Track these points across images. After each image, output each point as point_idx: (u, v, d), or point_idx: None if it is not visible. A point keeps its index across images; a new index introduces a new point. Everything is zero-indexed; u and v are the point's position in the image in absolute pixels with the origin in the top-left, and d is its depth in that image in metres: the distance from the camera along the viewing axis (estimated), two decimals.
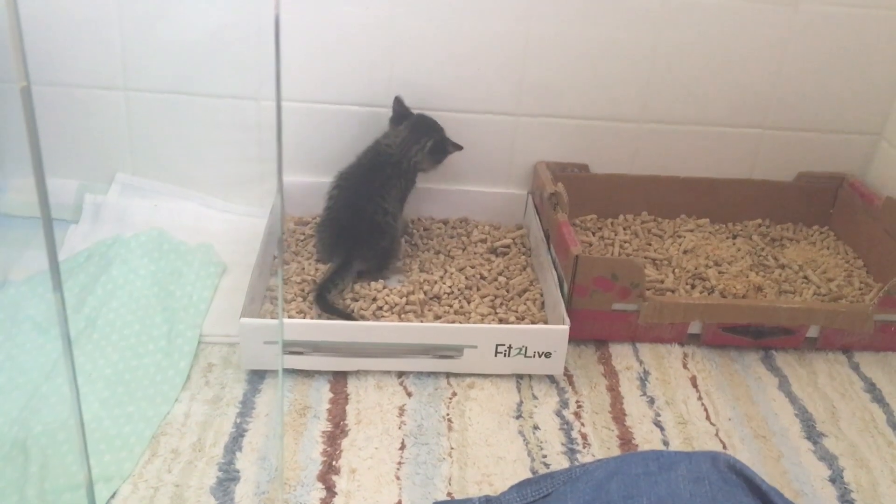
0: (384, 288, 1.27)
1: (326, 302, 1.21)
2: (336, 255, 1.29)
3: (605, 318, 1.23)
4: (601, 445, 1.06)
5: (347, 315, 1.21)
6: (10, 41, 0.44)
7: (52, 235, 0.48)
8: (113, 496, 0.93)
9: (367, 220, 1.29)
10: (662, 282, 1.33)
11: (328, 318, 1.19)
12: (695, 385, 1.19)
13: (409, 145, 1.35)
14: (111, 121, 1.42)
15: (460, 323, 1.21)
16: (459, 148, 1.39)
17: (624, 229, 1.50)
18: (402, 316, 1.23)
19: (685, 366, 1.22)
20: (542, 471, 1.01)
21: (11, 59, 0.47)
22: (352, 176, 1.35)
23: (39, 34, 1.35)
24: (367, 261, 1.30)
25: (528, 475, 1.00)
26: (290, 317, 1.20)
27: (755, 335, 1.25)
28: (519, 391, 1.15)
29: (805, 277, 1.38)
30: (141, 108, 1.41)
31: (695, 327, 1.25)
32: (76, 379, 0.56)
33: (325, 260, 1.33)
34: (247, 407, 1.08)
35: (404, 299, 1.25)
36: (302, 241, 1.41)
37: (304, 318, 1.20)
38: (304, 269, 1.32)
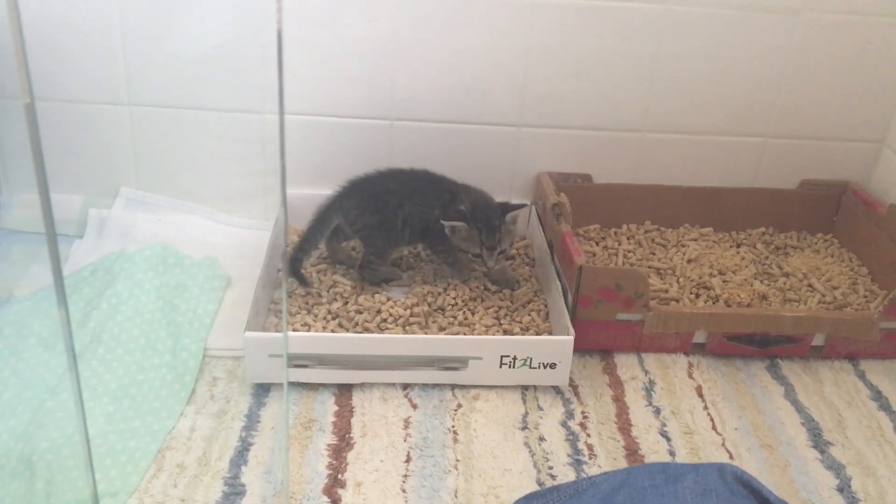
0: (388, 300, 1.27)
1: (295, 264, 1.27)
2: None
3: (609, 329, 1.23)
4: (607, 456, 1.06)
5: (304, 282, 1.27)
6: (15, 58, 0.45)
7: (56, 251, 0.49)
8: None
9: (368, 194, 1.29)
10: (667, 291, 1.33)
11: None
12: (700, 395, 1.18)
13: (455, 197, 1.28)
14: (115, 135, 1.43)
15: (465, 334, 1.21)
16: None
17: (627, 239, 1.50)
18: (407, 328, 1.23)
19: (691, 375, 1.22)
20: (549, 482, 1.01)
21: (16, 76, 0.47)
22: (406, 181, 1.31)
23: (43, 50, 1.36)
24: (348, 221, 1.29)
25: (535, 487, 1.00)
26: (294, 330, 1.20)
27: (760, 344, 1.25)
28: (524, 402, 1.14)
29: (810, 285, 1.38)
30: (145, 123, 1.42)
31: (700, 336, 1.25)
32: (81, 394, 0.56)
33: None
34: (252, 420, 1.08)
35: (408, 311, 1.24)
36: None
37: (308, 330, 1.20)
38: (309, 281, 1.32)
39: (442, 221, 1.24)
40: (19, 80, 0.45)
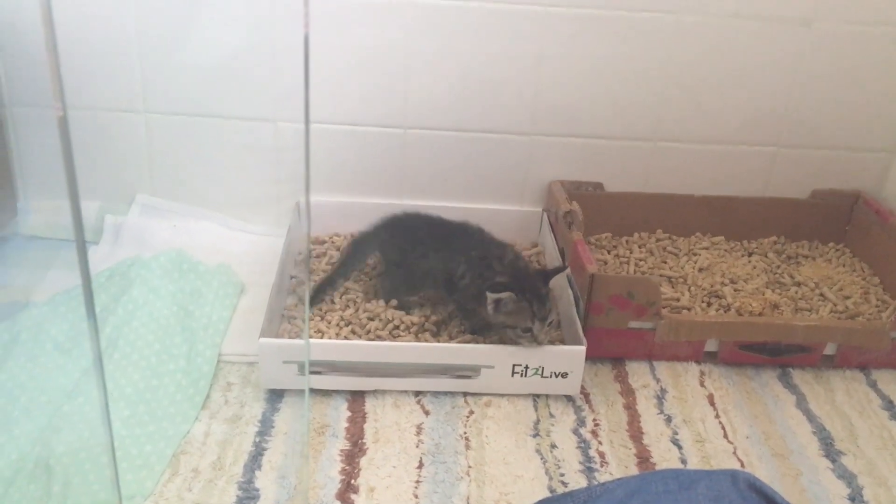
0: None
1: (320, 294, 1.30)
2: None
3: (621, 337, 1.23)
4: (619, 464, 1.06)
5: (312, 302, 1.29)
6: (49, 70, 0.46)
7: (86, 261, 0.49)
8: None
9: (401, 234, 1.29)
10: (678, 300, 1.34)
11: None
12: (712, 403, 1.19)
13: (485, 254, 1.21)
14: (131, 143, 1.44)
15: (477, 343, 1.22)
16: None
17: (639, 247, 1.50)
18: (420, 336, 1.23)
19: (702, 384, 1.22)
20: (560, 489, 1.01)
21: (46, 86, 0.48)
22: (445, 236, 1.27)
23: (61, 58, 1.37)
24: (381, 251, 1.32)
25: (546, 494, 1.00)
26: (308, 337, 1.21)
27: (772, 353, 1.25)
28: (536, 409, 1.15)
29: (821, 295, 1.38)
30: (160, 131, 1.43)
31: (711, 345, 1.25)
32: (107, 400, 0.56)
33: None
34: (266, 426, 1.08)
35: (422, 319, 1.25)
36: (316, 258, 1.42)
37: (321, 337, 1.21)
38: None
39: (487, 294, 1.11)
40: (53, 93, 0.46)
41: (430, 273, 1.25)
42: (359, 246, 1.34)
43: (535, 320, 1.11)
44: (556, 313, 1.15)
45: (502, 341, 1.16)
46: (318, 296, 1.30)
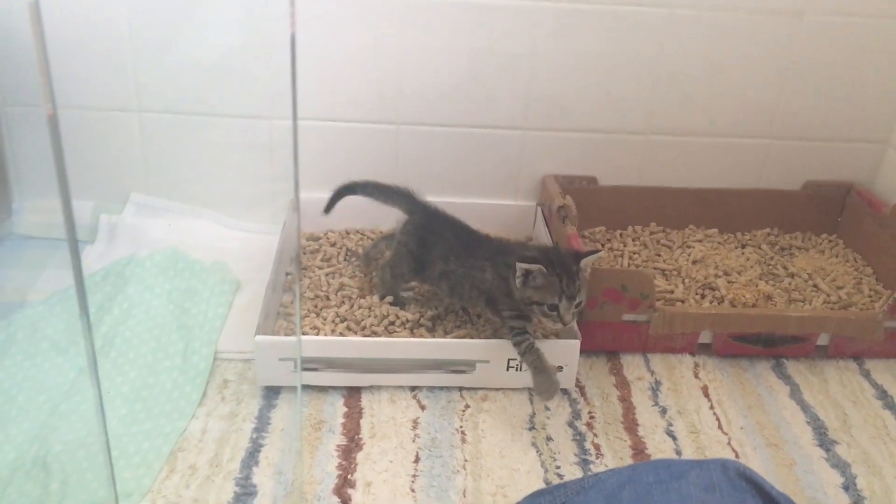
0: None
1: (344, 191, 1.31)
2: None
3: (615, 330, 1.24)
4: (614, 456, 1.07)
5: (339, 195, 1.31)
6: (38, 70, 0.46)
7: (78, 262, 0.50)
8: None
9: (431, 226, 1.24)
10: (672, 292, 1.34)
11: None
12: (706, 394, 1.19)
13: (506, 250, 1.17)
14: (126, 142, 1.44)
15: (472, 338, 1.22)
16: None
17: (633, 241, 1.51)
18: (415, 331, 1.24)
19: (696, 375, 1.23)
20: (556, 482, 1.02)
21: (31, 85, 0.49)
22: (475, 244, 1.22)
23: (54, 57, 1.37)
24: (404, 227, 1.26)
25: (542, 486, 1.01)
26: (303, 333, 1.21)
27: (766, 344, 1.26)
28: (531, 403, 1.16)
29: (814, 286, 1.39)
30: (155, 129, 1.43)
31: (705, 337, 1.26)
32: (102, 400, 0.57)
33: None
34: (262, 422, 1.09)
35: (416, 314, 1.26)
36: (311, 253, 1.42)
37: (317, 334, 1.22)
38: (318, 284, 1.33)
39: (517, 264, 1.07)
40: (42, 92, 0.46)
41: (448, 276, 1.20)
42: (400, 191, 1.28)
43: (562, 297, 1.07)
44: (584, 295, 1.10)
45: (522, 317, 1.12)
46: (337, 197, 1.32)
